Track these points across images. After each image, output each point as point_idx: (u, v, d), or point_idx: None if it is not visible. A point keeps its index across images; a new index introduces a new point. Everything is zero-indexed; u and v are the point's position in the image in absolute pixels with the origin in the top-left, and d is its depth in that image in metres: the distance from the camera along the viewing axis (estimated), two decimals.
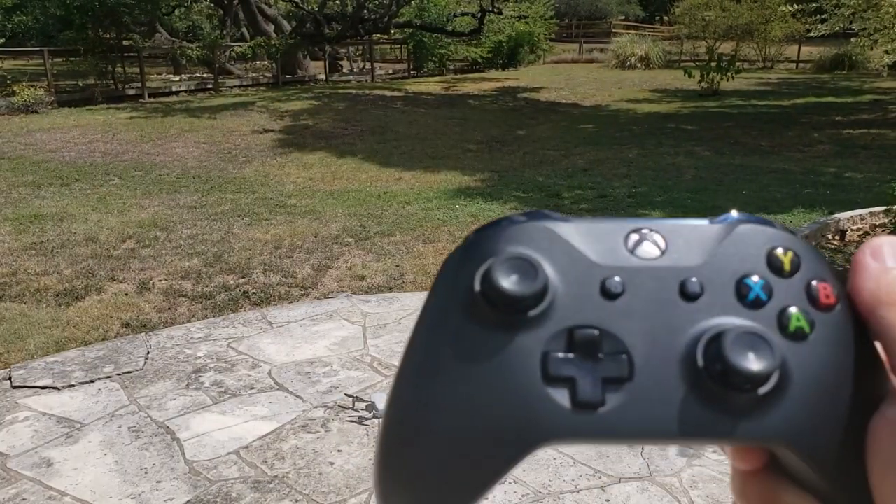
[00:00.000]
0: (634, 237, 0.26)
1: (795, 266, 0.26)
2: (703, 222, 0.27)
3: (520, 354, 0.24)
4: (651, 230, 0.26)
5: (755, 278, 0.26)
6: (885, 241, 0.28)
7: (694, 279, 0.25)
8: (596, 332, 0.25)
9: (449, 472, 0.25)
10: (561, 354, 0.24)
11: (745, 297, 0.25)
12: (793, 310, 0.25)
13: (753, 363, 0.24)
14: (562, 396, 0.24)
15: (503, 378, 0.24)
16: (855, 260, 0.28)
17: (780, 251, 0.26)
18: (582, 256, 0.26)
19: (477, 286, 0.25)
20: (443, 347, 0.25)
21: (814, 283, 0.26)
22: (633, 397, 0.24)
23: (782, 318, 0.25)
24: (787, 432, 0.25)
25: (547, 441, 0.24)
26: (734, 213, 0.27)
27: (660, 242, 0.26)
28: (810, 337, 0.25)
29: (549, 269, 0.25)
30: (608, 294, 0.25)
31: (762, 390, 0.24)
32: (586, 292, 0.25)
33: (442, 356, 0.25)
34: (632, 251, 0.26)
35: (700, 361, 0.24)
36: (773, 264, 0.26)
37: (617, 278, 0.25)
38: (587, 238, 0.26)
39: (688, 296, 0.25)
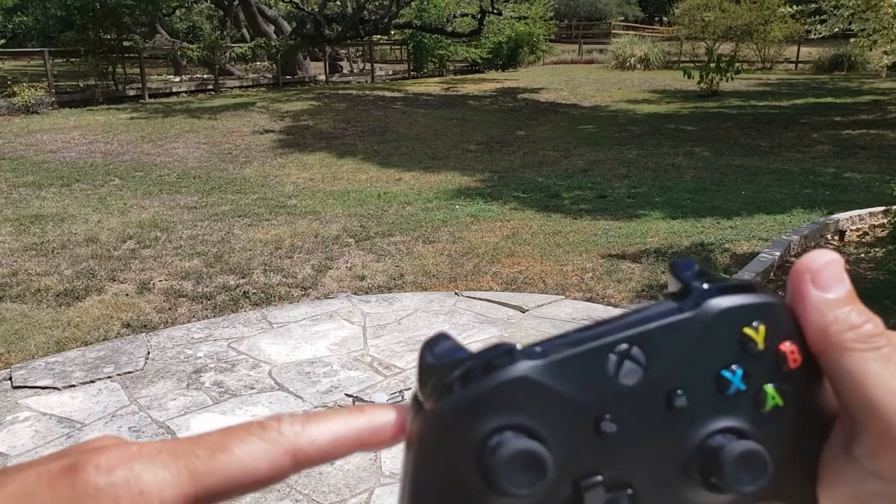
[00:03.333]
0: (614, 358, 0.25)
1: (766, 338, 0.26)
2: (674, 311, 0.26)
3: None
4: (628, 345, 0.25)
5: (733, 368, 0.26)
6: (823, 262, 0.26)
7: (679, 391, 0.26)
8: (599, 478, 0.25)
9: None
10: None
11: (725, 390, 0.26)
12: (768, 388, 0.26)
13: (750, 483, 0.25)
14: None
15: None
16: (794, 286, 0.26)
17: (751, 330, 0.26)
18: (571, 401, 0.25)
19: (478, 481, 0.24)
20: None
21: (782, 347, 0.26)
22: None
23: (758, 398, 0.26)
24: (772, 497, 0.26)
25: None
26: (696, 284, 0.27)
27: (639, 357, 0.25)
28: (785, 409, 0.26)
29: (543, 429, 0.24)
30: (602, 434, 0.25)
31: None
32: (582, 436, 0.25)
33: None
34: (615, 376, 0.25)
35: (699, 479, 0.25)
36: (746, 346, 0.26)
37: (609, 416, 0.25)
38: (569, 373, 0.25)
39: (675, 409, 0.26)
